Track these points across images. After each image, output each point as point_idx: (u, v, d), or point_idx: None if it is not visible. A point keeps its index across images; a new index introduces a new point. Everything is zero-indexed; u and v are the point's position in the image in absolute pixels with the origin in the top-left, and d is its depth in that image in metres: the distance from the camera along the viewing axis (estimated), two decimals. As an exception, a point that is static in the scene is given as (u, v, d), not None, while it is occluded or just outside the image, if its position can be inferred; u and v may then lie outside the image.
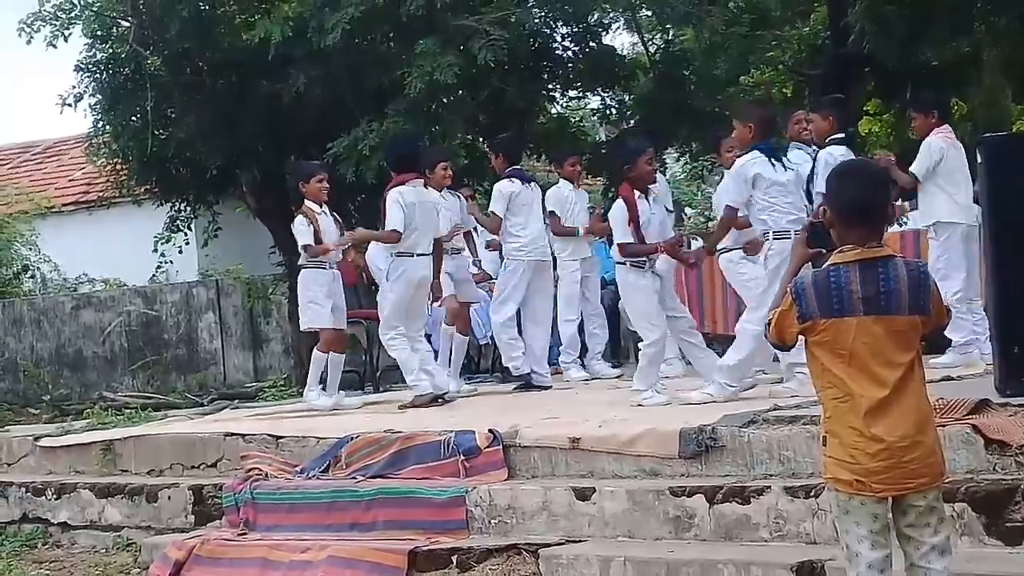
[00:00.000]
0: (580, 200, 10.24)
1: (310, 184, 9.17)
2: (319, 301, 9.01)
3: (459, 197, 10.27)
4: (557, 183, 10.42)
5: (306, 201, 9.15)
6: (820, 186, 7.71)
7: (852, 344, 3.72)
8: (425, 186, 9.09)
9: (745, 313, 7.65)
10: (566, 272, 10.09)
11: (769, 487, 5.37)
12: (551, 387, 9.44)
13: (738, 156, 7.49)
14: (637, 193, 7.71)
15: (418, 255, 8.79)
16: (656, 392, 7.51)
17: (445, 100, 12.66)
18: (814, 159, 8.32)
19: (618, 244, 7.72)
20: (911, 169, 8.21)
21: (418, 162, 9.11)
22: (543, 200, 10.03)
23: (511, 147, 10.18)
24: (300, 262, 9.21)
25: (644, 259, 7.67)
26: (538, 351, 9.69)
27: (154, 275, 17.08)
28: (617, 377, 9.83)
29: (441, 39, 11.79)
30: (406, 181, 8.80)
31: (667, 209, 8.56)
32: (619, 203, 7.78)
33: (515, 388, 9.60)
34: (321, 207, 9.14)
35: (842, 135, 8.37)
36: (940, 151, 8.16)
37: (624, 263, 7.71)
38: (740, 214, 7.51)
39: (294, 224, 9.14)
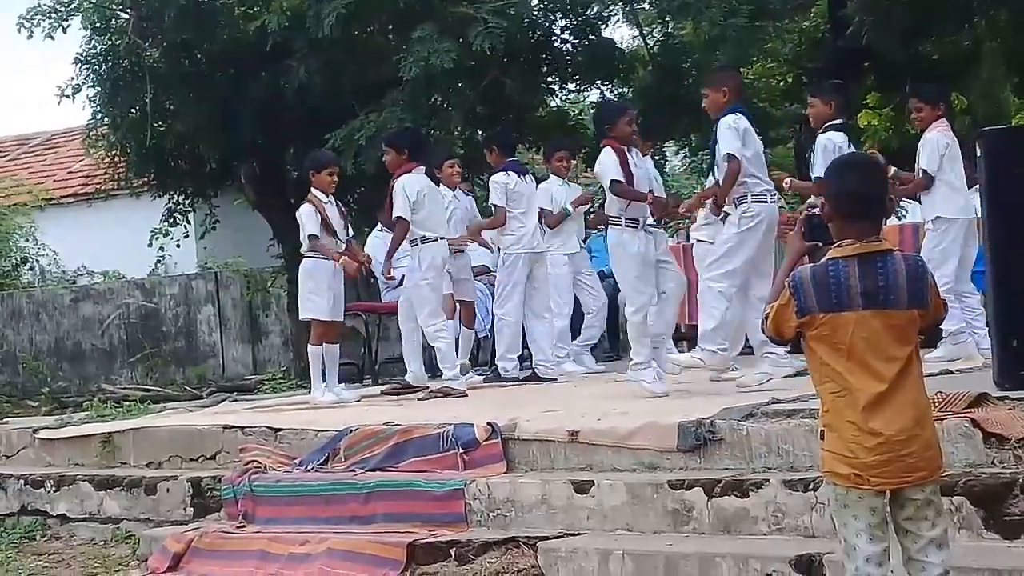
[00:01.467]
0: (570, 194, 10.31)
1: (321, 175, 9.14)
2: (318, 292, 9.02)
3: (471, 197, 10.35)
4: (548, 178, 10.49)
5: (313, 190, 9.13)
6: (818, 171, 7.72)
7: (850, 338, 3.72)
8: (434, 180, 9.21)
9: (704, 271, 7.62)
10: (555, 266, 10.10)
11: (768, 480, 5.36)
12: (556, 379, 9.48)
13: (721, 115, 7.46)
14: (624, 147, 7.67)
15: (438, 238, 8.95)
16: (657, 378, 7.48)
17: (444, 90, 12.65)
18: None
19: (612, 181, 7.54)
20: (922, 166, 8.12)
21: (420, 152, 9.19)
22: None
23: (504, 140, 10.27)
24: (303, 251, 9.19)
25: (637, 220, 7.56)
26: (543, 342, 9.76)
27: (153, 268, 17.07)
28: (600, 372, 9.86)
29: (439, 26, 11.77)
30: (411, 170, 8.92)
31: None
32: (606, 150, 7.68)
33: (524, 379, 9.65)
34: (327, 197, 9.15)
35: (841, 121, 8.33)
36: (945, 146, 8.15)
37: (620, 221, 7.59)
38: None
39: (301, 212, 9.07)
